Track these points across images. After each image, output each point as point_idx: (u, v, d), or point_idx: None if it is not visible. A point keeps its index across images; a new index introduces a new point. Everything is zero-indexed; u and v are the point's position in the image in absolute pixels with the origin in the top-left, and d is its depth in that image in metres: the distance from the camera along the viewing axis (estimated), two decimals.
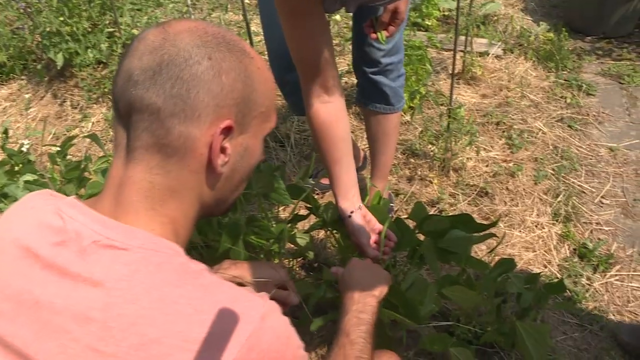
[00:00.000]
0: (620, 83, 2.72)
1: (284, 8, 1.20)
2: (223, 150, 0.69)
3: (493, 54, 2.85)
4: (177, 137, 0.66)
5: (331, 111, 1.31)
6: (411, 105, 2.40)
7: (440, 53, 2.85)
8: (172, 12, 3.15)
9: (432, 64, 2.60)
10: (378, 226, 1.35)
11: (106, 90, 2.68)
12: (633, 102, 2.60)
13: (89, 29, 2.70)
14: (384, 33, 1.50)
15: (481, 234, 1.31)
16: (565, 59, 2.80)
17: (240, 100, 0.69)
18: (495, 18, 3.20)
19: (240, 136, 0.72)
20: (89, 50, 2.63)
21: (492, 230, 1.32)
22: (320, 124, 1.30)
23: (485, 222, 1.31)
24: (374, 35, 1.51)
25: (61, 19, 2.61)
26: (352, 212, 1.32)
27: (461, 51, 2.61)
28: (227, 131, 0.69)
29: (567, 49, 2.86)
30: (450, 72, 2.70)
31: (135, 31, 2.78)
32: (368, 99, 1.80)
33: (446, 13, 3.16)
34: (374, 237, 1.33)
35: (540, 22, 3.08)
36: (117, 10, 2.71)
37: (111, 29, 2.73)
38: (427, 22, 3.01)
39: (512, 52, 2.91)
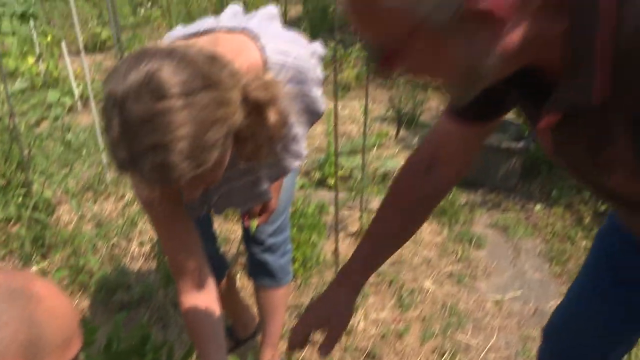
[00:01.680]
0: (507, 235, 2.96)
1: (150, 212, 1.30)
2: None
3: None
4: None
5: (201, 308, 1.35)
6: (305, 269, 2.53)
7: (342, 212, 3.05)
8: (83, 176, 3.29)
9: (327, 226, 2.77)
10: None
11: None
12: (517, 253, 2.82)
13: (3, 185, 2.79)
14: (255, 222, 1.65)
15: None
16: (458, 213, 3.04)
17: (26, 347, 0.73)
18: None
19: None
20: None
21: None
22: (190, 321, 1.34)
23: None
24: (247, 223, 1.66)
25: None
26: None
27: (360, 210, 2.81)
28: None
29: (459, 203, 3.12)
30: (350, 231, 2.89)
31: (48, 192, 2.89)
32: (256, 274, 1.92)
33: (348, 172, 3.41)
34: None
35: None
36: (31, 170, 2.82)
37: (24, 189, 2.83)
38: (330, 181, 3.24)
39: None
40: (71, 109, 4.30)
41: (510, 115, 2.31)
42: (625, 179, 0.72)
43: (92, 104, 3.36)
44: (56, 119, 4.11)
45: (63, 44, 4.26)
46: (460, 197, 3.19)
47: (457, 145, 1.03)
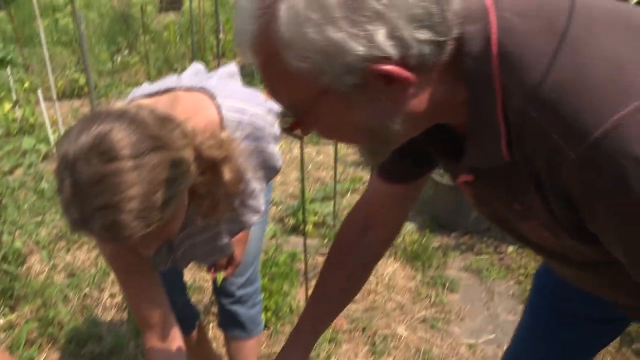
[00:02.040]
0: (480, 277, 2.98)
1: (114, 266, 1.31)
2: None
3: None
4: None
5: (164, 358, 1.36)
6: (277, 318, 2.52)
7: (315, 259, 3.06)
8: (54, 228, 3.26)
9: (300, 273, 2.78)
10: None
11: None
12: (491, 296, 2.84)
13: None
14: (222, 274, 1.66)
15: None
16: (432, 257, 3.07)
17: None
18: None
19: None
20: None
21: None
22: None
23: None
24: (213, 276, 1.66)
25: None
26: None
27: None
28: None
29: (433, 247, 3.15)
30: None
31: (19, 243, 2.86)
32: (226, 325, 1.91)
33: (322, 218, 3.43)
34: None
35: (410, 221, 3.41)
36: (1, 220, 2.80)
37: None
38: (303, 228, 3.25)
39: None
40: (46, 156, 4.29)
41: None
42: (534, 227, 0.75)
43: None
44: (30, 166, 4.12)
45: (39, 92, 4.27)
46: (434, 241, 3.22)
47: (387, 204, 1.06)
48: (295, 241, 3.18)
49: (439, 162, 0.91)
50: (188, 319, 1.86)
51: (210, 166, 1.07)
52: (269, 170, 1.34)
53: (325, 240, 3.11)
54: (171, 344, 1.34)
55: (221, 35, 5.92)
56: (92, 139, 0.89)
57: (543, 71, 0.60)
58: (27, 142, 4.34)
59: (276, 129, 1.29)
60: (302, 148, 1.67)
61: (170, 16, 8.17)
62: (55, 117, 4.85)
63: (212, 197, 1.11)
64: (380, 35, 0.59)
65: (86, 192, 0.88)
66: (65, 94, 5.86)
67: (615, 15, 0.62)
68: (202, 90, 1.22)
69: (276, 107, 1.35)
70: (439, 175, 3.21)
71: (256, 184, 1.31)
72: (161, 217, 0.94)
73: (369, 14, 0.58)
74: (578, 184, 0.59)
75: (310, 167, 4.03)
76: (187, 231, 1.29)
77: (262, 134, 1.25)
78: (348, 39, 0.59)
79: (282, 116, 0.70)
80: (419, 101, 0.67)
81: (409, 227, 3.33)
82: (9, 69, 5.24)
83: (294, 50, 0.61)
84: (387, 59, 0.61)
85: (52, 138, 4.31)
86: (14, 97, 5.17)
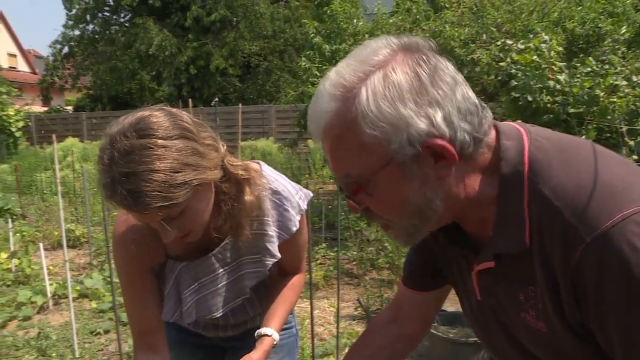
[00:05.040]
0: None
1: (123, 273, 1.33)
2: None
3: None
4: None
5: None
6: None
7: None
8: None
9: None
10: None
11: None
12: None
13: None
14: None
15: None
16: None
17: None
18: None
19: None
20: None
21: None
22: None
23: None
24: None
25: None
26: None
27: None
28: None
29: None
30: None
31: None
32: None
33: None
34: None
35: None
36: None
37: None
38: None
39: None
40: (42, 308, 4.27)
41: None
42: (530, 320, 0.84)
43: (70, 299, 3.37)
44: (25, 319, 4.08)
45: (41, 245, 4.36)
46: None
47: (411, 308, 1.17)
48: None
49: (448, 266, 1.02)
50: None
51: (234, 182, 1.20)
52: (283, 230, 1.37)
53: None
54: (160, 354, 1.35)
55: None
56: (134, 120, 1.05)
57: (565, 175, 0.76)
58: (23, 294, 4.34)
59: (302, 204, 1.38)
60: (311, 292, 1.76)
61: None
62: (51, 267, 4.90)
63: (231, 212, 1.21)
64: (439, 117, 0.75)
65: (118, 160, 1.01)
66: (61, 245, 5.95)
67: (604, 150, 0.82)
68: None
69: (307, 192, 1.44)
70: (433, 329, 3.28)
71: (273, 232, 1.35)
72: (178, 196, 1.04)
73: (430, 99, 0.75)
74: (589, 265, 0.72)
75: (306, 322, 4.06)
76: (209, 266, 1.33)
77: (288, 197, 1.35)
78: (413, 115, 0.74)
79: (343, 189, 0.83)
80: (457, 184, 0.80)
81: None
82: (9, 221, 5.38)
83: (369, 120, 0.75)
84: (441, 137, 0.75)
85: (49, 289, 4.33)
86: (12, 247, 5.25)
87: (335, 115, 0.77)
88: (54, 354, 3.39)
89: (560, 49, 3.75)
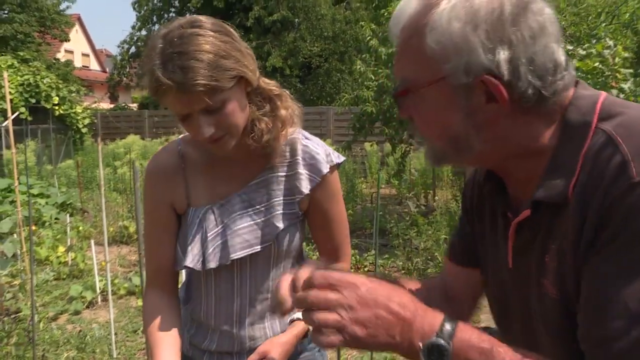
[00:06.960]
0: None
1: (148, 218, 1.40)
2: None
3: None
4: None
5: (159, 304, 1.36)
6: None
7: None
8: None
9: None
10: None
11: None
12: None
13: None
14: None
15: None
16: None
17: None
18: None
19: None
20: None
21: None
22: (147, 312, 1.35)
23: None
24: None
25: None
26: None
27: None
28: None
29: None
30: None
31: None
32: None
33: None
34: None
35: None
36: None
37: None
38: None
39: None
40: (91, 304, 4.39)
41: None
42: (547, 285, 0.78)
43: (110, 298, 3.45)
44: (76, 313, 4.22)
45: (92, 242, 4.49)
46: None
47: (457, 284, 1.09)
48: None
49: (489, 226, 0.95)
50: None
51: (267, 98, 1.29)
52: (315, 171, 1.36)
53: None
54: (170, 294, 1.38)
55: None
56: (185, 19, 1.18)
57: (636, 115, 0.73)
58: (74, 289, 4.48)
59: (333, 155, 1.38)
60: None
61: None
62: (104, 263, 5.06)
63: (267, 123, 1.28)
64: (503, 55, 0.72)
65: (171, 43, 1.12)
66: (115, 240, 6.14)
67: None
68: None
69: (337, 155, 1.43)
70: None
71: (303, 171, 1.35)
72: (223, 81, 1.13)
73: (502, 37, 0.72)
74: (624, 205, 0.66)
75: None
76: (233, 205, 1.34)
77: (318, 142, 1.39)
78: (479, 44, 0.72)
79: (394, 89, 0.80)
80: (505, 130, 0.77)
81: None
82: (68, 217, 5.58)
83: (436, 33, 0.74)
84: (498, 78, 0.72)
85: (99, 285, 4.45)
86: (69, 242, 5.45)
87: (412, 17, 0.78)
88: (96, 350, 3.47)
89: (627, 54, 3.48)
